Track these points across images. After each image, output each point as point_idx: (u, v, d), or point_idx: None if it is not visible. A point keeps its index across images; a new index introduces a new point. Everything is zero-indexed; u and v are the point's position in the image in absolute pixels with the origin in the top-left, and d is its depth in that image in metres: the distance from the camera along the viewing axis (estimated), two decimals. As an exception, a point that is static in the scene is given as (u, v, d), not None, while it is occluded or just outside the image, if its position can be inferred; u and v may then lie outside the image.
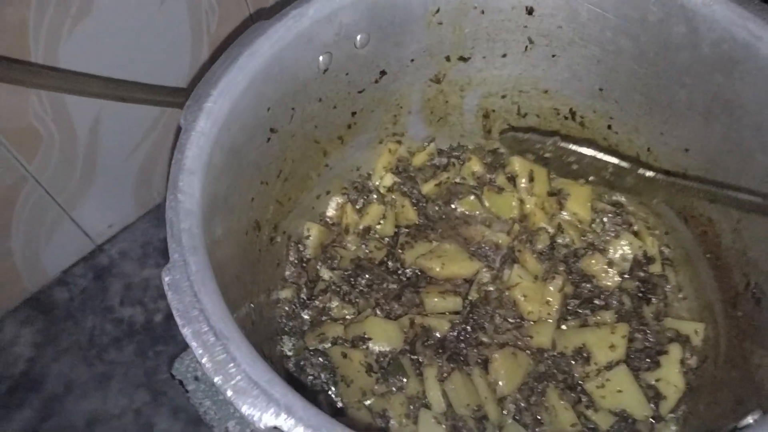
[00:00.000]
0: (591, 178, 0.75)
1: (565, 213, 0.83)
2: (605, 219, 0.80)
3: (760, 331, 0.60)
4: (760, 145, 0.61)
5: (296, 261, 0.78)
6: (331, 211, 0.84)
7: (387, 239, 0.82)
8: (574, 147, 0.75)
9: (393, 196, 0.84)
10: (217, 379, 0.40)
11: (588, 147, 0.74)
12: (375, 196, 0.84)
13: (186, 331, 0.42)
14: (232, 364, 0.40)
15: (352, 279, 0.77)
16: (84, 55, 0.81)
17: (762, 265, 0.63)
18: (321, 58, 0.68)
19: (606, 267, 0.76)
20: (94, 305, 1.07)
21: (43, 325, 1.05)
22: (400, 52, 0.74)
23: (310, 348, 0.72)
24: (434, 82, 0.81)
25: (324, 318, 0.74)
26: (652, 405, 0.68)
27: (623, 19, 0.67)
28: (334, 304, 0.74)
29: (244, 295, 0.59)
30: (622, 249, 0.78)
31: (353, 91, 0.75)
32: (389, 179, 0.85)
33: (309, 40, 0.65)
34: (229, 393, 0.39)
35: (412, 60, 0.76)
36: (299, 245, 0.79)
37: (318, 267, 0.78)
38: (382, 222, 0.83)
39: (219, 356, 0.41)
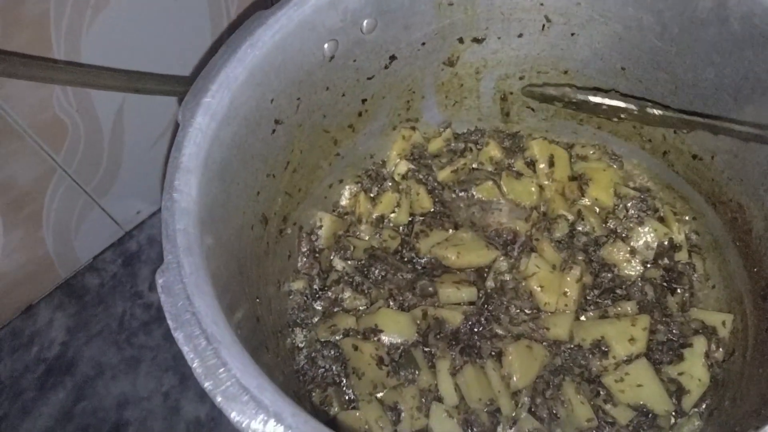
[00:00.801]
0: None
1: (586, 199, 0.79)
2: (629, 205, 0.77)
3: (791, 326, 0.57)
4: (793, 127, 0.57)
5: (308, 252, 0.77)
6: (344, 200, 0.83)
7: (401, 228, 0.81)
8: (591, 98, 0.72)
9: (407, 184, 0.82)
10: (207, 385, 0.39)
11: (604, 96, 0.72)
12: (389, 184, 0.82)
13: (177, 335, 0.41)
14: (222, 369, 0.40)
15: (365, 269, 0.75)
16: (105, 47, 0.82)
17: (794, 256, 0.59)
18: (326, 45, 0.66)
19: (628, 255, 0.73)
20: (124, 290, 1.10)
21: (76, 310, 1.08)
22: (409, 36, 0.72)
23: (322, 340, 0.71)
24: (447, 65, 0.78)
25: (336, 309, 0.73)
26: (674, 400, 0.66)
27: (645, -7, 0.63)
28: (347, 294, 0.73)
29: (249, 291, 0.59)
30: (646, 236, 0.74)
31: (362, 77, 0.72)
32: (404, 166, 0.83)
33: (312, 28, 0.63)
34: (219, 399, 0.39)
35: (423, 43, 0.73)
36: (311, 236, 0.78)
37: (331, 257, 0.77)
38: (396, 210, 0.81)
39: (210, 361, 0.40)
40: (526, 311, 0.71)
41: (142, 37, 0.85)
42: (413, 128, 0.84)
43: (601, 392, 0.67)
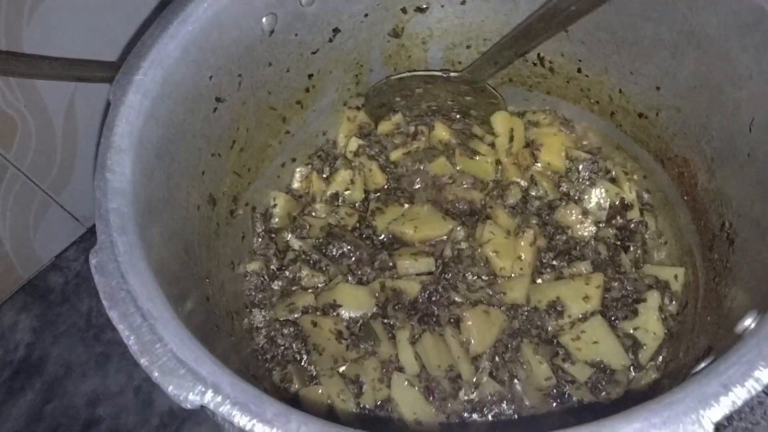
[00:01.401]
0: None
1: (539, 164, 0.80)
2: (580, 167, 0.77)
3: (732, 272, 0.58)
4: (728, 76, 0.58)
5: (263, 232, 0.76)
6: (296, 183, 0.82)
7: (357, 204, 0.80)
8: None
9: (360, 161, 0.81)
10: (143, 361, 0.39)
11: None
12: (341, 162, 0.82)
13: (112, 314, 0.41)
14: (158, 344, 0.39)
15: (322, 247, 0.75)
16: (48, 37, 0.79)
17: (735, 205, 0.60)
18: (264, 19, 0.64)
19: (581, 217, 0.74)
20: (89, 287, 1.08)
21: (40, 310, 1.06)
22: (351, 8, 0.71)
23: (281, 319, 0.71)
24: (393, 36, 0.77)
25: (294, 288, 0.73)
26: (631, 354, 0.67)
27: (580, -48, 0.63)
28: (304, 273, 0.73)
29: (197, 272, 0.58)
30: (599, 197, 0.75)
31: (306, 52, 0.71)
32: (354, 143, 0.82)
33: (248, 2, 0.62)
34: (156, 374, 0.38)
35: (366, 15, 0.72)
36: (266, 216, 0.77)
37: (287, 237, 0.76)
38: (350, 188, 0.80)
39: (145, 337, 0.40)
40: (483, 278, 0.72)
41: (87, 26, 0.82)
42: (357, 108, 0.83)
43: (560, 352, 0.67)
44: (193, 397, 0.37)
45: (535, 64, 0.78)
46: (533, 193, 0.77)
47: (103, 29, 0.86)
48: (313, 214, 0.79)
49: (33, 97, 0.84)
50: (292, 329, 0.70)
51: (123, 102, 0.52)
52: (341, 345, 0.67)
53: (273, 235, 0.77)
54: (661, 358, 0.67)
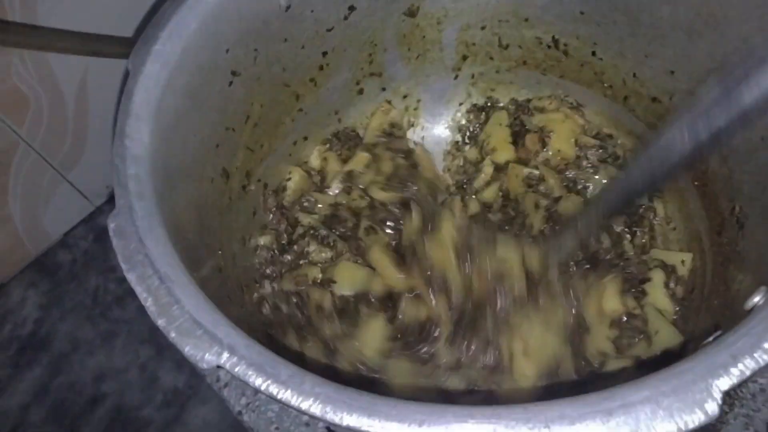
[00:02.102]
0: None
1: (549, 151, 0.80)
2: (590, 154, 0.77)
3: (741, 256, 0.58)
4: (745, 59, 0.57)
5: (275, 208, 0.77)
6: (314, 161, 0.82)
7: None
8: None
9: (379, 151, 0.82)
10: (160, 322, 0.39)
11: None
12: (362, 146, 0.83)
13: (130, 276, 0.41)
14: (176, 306, 0.40)
15: (331, 225, 0.76)
16: (64, 11, 0.80)
17: (746, 189, 0.60)
18: (281, -6, 0.65)
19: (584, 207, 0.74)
20: (97, 265, 1.09)
21: (48, 287, 1.07)
22: (368, -16, 0.71)
23: (286, 290, 0.71)
24: (408, 16, 0.77)
25: (302, 262, 0.74)
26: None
27: (599, -68, 0.63)
28: (312, 248, 0.73)
29: (210, 243, 0.59)
30: (603, 183, 0.75)
31: (321, 29, 0.72)
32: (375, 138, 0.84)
33: (265, -24, 0.62)
34: (173, 335, 0.39)
35: (382, -8, 0.73)
36: (277, 192, 0.78)
37: (297, 212, 0.77)
38: (365, 171, 0.81)
39: (163, 299, 0.40)
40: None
41: (103, 1, 0.83)
42: (389, 102, 0.85)
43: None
44: (209, 357, 0.38)
45: (549, 47, 0.78)
46: (541, 188, 0.77)
47: (119, 5, 0.86)
48: (325, 191, 0.80)
49: (45, 73, 0.85)
50: (295, 300, 0.70)
51: (141, 71, 0.53)
52: (322, 320, 0.68)
53: (284, 211, 0.77)
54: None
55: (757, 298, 0.43)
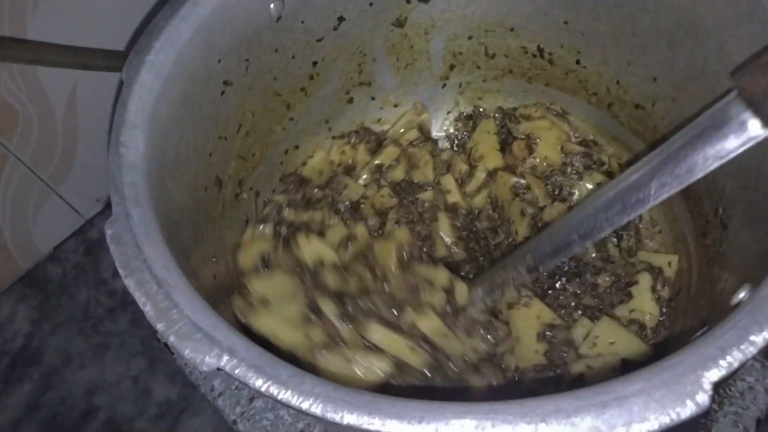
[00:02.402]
0: None
1: (536, 158, 0.81)
2: (575, 161, 0.79)
3: (725, 256, 0.59)
4: (724, 67, 0.59)
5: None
6: (335, 155, 0.84)
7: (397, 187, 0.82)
8: None
9: (411, 149, 0.84)
10: (159, 326, 0.40)
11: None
12: (390, 141, 0.84)
13: (129, 282, 0.42)
14: (174, 311, 0.40)
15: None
16: (53, 25, 0.80)
17: (729, 191, 0.62)
18: (272, 5, 0.66)
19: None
20: (87, 279, 1.09)
21: (39, 301, 1.07)
22: (357, -5, 0.72)
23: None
24: (396, 26, 0.78)
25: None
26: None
27: (582, -56, 0.65)
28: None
29: (204, 250, 0.59)
30: (588, 190, 0.76)
31: (311, 39, 0.73)
32: (414, 134, 0.85)
33: (256, -13, 0.63)
34: (172, 338, 0.39)
35: (371, 4, 0.74)
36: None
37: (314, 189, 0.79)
38: (394, 164, 0.82)
39: (162, 303, 0.41)
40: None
41: (93, 14, 0.83)
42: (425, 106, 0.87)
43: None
44: (209, 359, 0.38)
45: (534, 56, 0.80)
46: (527, 197, 0.78)
47: (109, 18, 0.86)
48: (356, 180, 0.81)
49: (34, 87, 0.85)
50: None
51: (136, 81, 0.53)
52: None
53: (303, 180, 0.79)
54: (655, 338, 0.69)
55: (742, 294, 0.45)
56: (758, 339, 0.36)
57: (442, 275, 0.68)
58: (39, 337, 1.05)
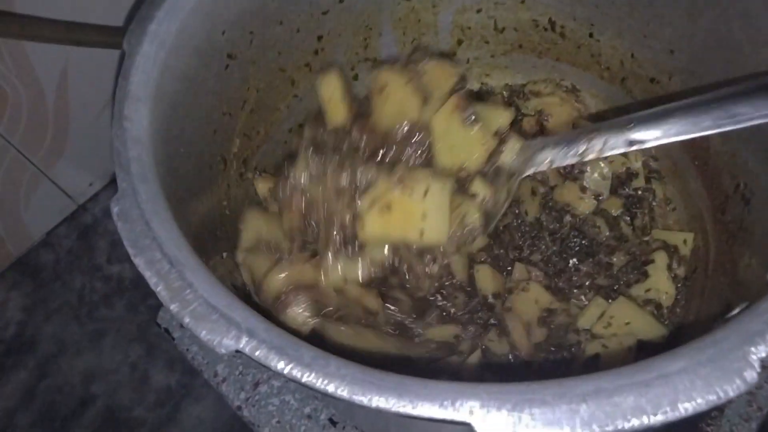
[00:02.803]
0: None
1: (547, 135, 0.79)
2: (589, 136, 0.77)
3: (748, 232, 0.58)
4: (748, 35, 0.57)
5: None
6: None
7: None
8: None
9: None
10: (173, 307, 0.37)
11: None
12: None
13: (138, 261, 0.39)
14: (188, 290, 0.38)
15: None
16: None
17: (751, 164, 0.60)
18: (277, -26, 0.63)
19: (580, 193, 0.74)
20: (81, 264, 1.06)
21: (32, 288, 1.04)
22: (364, -35, 0.69)
23: None
24: (404, -1, 0.76)
25: None
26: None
27: None
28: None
29: (211, 229, 0.57)
30: (600, 168, 0.74)
31: (316, 12, 0.70)
32: None
33: (261, -45, 0.60)
34: (187, 320, 0.37)
35: (378, -25, 0.71)
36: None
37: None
38: None
39: (175, 283, 0.38)
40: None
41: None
42: None
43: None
44: (227, 341, 0.36)
45: (546, 30, 0.77)
46: (537, 176, 0.76)
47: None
48: None
49: (24, 67, 0.82)
50: None
51: (138, 51, 0.50)
52: None
53: None
54: (676, 318, 0.68)
55: (780, 269, 0.43)
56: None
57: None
58: (33, 325, 1.03)
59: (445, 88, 0.63)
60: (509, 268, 0.72)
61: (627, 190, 0.75)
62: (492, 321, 0.69)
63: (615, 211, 0.74)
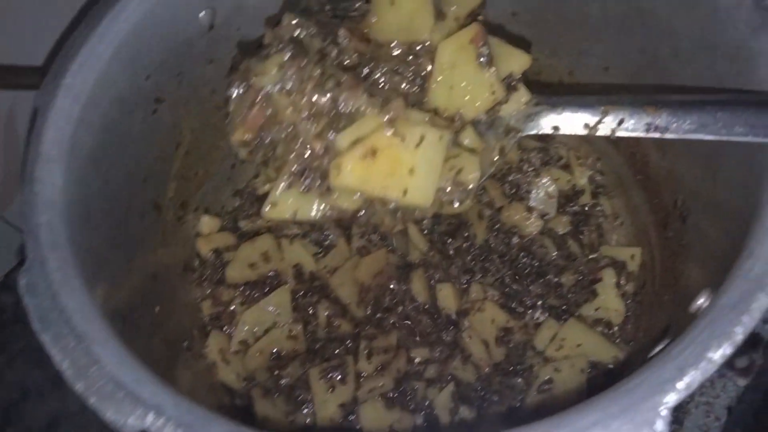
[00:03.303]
0: None
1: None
2: (531, 157, 0.76)
3: (687, 249, 0.58)
4: (674, 53, 0.58)
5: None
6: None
7: None
8: None
9: None
10: (78, 386, 0.36)
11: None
12: None
13: (44, 337, 0.38)
14: (95, 367, 0.37)
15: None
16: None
17: (687, 181, 0.60)
18: (202, 14, 0.61)
19: (526, 214, 0.73)
20: (43, 306, 1.04)
21: (-9, 331, 1.01)
22: (294, -1, 0.68)
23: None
24: (340, 27, 0.75)
25: None
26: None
27: (523, -68, 0.62)
28: None
29: (140, 282, 0.56)
30: (546, 187, 0.74)
31: (250, 47, 0.69)
32: None
33: (183, -4, 0.59)
34: (93, 400, 0.36)
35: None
36: None
37: None
38: None
39: (81, 360, 0.37)
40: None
41: (8, 29, 0.78)
42: None
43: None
44: (133, 421, 0.35)
45: (484, 49, 0.77)
46: (484, 199, 0.75)
47: (27, 32, 0.81)
48: None
49: (-32, 109, 0.80)
50: None
51: (51, 108, 0.49)
52: None
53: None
54: (623, 335, 0.68)
55: (701, 300, 0.43)
56: (716, 356, 0.34)
57: None
58: (-6, 371, 1.00)
59: (465, 8, 0.52)
60: (465, 286, 0.72)
61: (574, 206, 0.75)
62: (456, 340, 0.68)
63: (563, 229, 0.74)
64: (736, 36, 0.48)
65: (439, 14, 0.52)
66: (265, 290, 0.70)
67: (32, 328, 1.02)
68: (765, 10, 0.46)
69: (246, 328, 0.67)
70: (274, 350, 0.67)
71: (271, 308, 0.68)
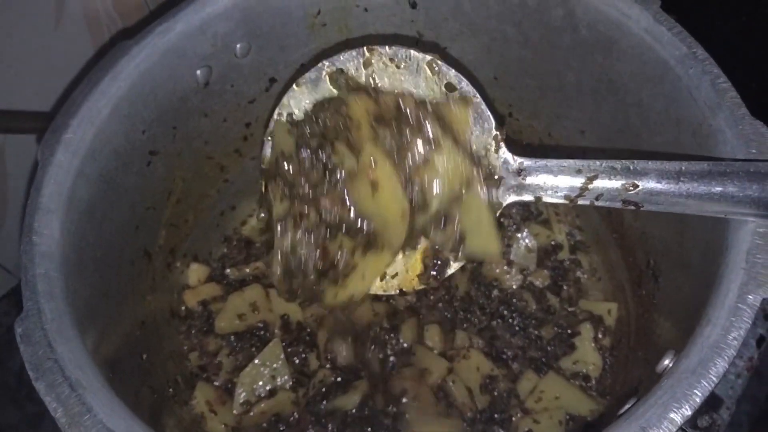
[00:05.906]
0: None
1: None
2: (512, 212, 0.80)
3: (658, 308, 0.60)
4: (643, 122, 0.61)
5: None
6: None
7: None
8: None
9: None
10: (70, 435, 0.37)
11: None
12: None
13: (39, 385, 0.39)
14: (88, 416, 0.38)
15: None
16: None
17: (657, 243, 0.63)
18: (198, 72, 0.65)
19: (506, 268, 0.76)
20: (21, 343, 1.03)
21: (-32, 369, 1.00)
22: (287, 57, 0.72)
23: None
24: (331, 84, 0.78)
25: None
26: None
27: (504, 5, 0.66)
28: None
29: (130, 330, 0.57)
30: (526, 242, 0.77)
31: (243, 101, 0.72)
32: None
33: (181, 55, 0.62)
34: (84, 449, 0.37)
35: (302, 64, 0.74)
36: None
37: None
38: None
39: (74, 408, 0.38)
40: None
41: (16, 75, 0.80)
42: None
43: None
44: (124, 470, 0.36)
45: (468, 109, 0.81)
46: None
47: (34, 80, 0.84)
48: None
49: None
50: None
51: (51, 162, 0.51)
52: None
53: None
54: (600, 389, 0.70)
55: (666, 361, 0.45)
56: (677, 416, 0.36)
57: None
58: (-32, 410, 0.99)
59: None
60: (450, 333, 0.73)
61: (553, 261, 0.78)
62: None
63: (542, 283, 0.77)
64: (697, 113, 0.52)
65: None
66: (252, 341, 0.71)
67: (6, 367, 1.01)
68: (721, 92, 0.50)
69: (243, 390, 0.68)
70: (276, 413, 0.68)
71: (267, 364, 0.69)
